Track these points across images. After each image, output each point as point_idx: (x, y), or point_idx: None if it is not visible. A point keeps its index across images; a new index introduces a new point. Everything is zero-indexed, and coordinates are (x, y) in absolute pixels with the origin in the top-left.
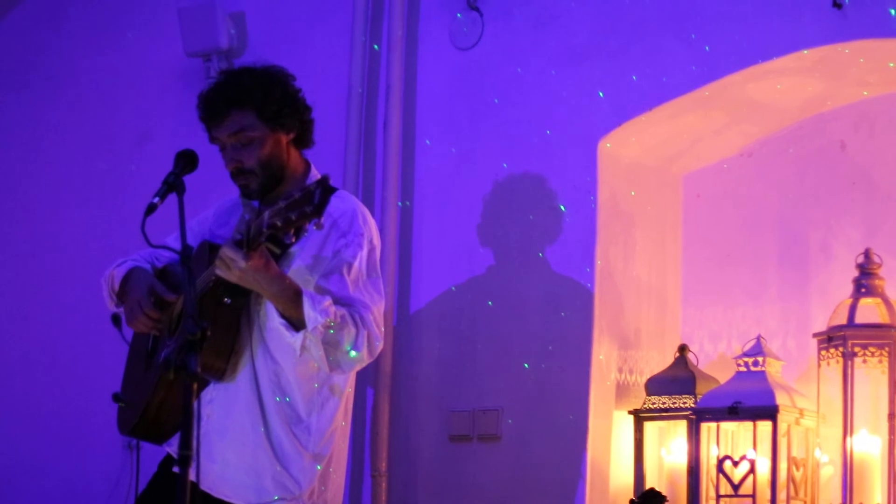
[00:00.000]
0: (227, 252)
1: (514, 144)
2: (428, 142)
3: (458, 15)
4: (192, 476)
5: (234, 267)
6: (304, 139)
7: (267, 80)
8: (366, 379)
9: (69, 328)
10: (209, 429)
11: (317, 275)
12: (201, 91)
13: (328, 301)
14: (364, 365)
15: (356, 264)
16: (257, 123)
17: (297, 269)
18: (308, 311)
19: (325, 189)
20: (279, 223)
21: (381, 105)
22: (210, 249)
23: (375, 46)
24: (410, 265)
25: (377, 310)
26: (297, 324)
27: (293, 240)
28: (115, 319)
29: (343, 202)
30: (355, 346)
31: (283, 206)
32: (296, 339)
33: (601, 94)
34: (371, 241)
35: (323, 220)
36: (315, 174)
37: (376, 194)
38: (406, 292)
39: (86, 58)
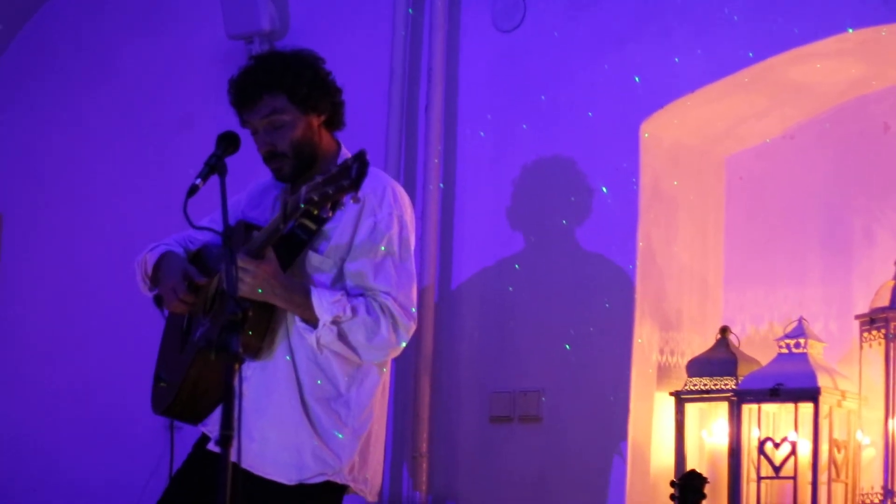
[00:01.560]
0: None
1: (555, 127)
2: (482, 133)
3: None
4: (232, 456)
5: (244, 276)
6: (335, 121)
7: (297, 64)
8: (407, 360)
9: (113, 312)
10: (245, 407)
11: (347, 254)
12: (232, 76)
13: (337, 296)
14: (398, 350)
15: (385, 245)
16: (289, 106)
17: (332, 247)
18: (317, 310)
19: (363, 163)
20: (316, 198)
21: (422, 87)
22: (246, 229)
23: (410, 10)
24: (452, 247)
25: (403, 294)
26: (315, 323)
27: (329, 214)
28: (158, 300)
29: (374, 179)
30: (377, 335)
31: (321, 181)
32: (311, 337)
33: (637, 79)
34: (401, 219)
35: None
36: (346, 155)
37: (418, 177)
38: (447, 274)
39: (127, 41)
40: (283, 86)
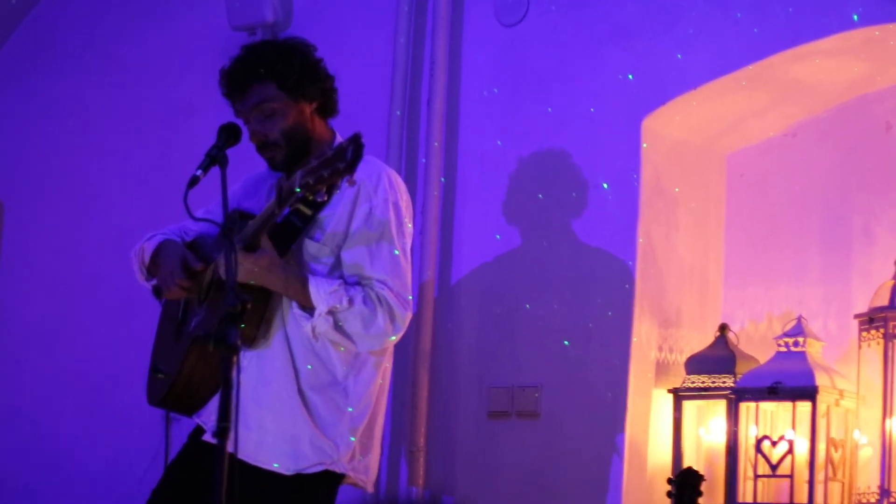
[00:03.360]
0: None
1: (557, 122)
2: (499, 142)
3: None
4: (229, 447)
5: (240, 268)
6: (327, 108)
7: (286, 51)
8: (405, 354)
9: (114, 301)
10: (242, 396)
11: (344, 242)
12: (222, 66)
13: (335, 286)
14: (396, 339)
15: (380, 232)
16: (278, 94)
17: (328, 235)
18: (314, 299)
19: (358, 144)
20: (311, 181)
21: (425, 81)
22: (240, 217)
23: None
24: (452, 242)
25: (399, 282)
26: (311, 311)
27: (325, 198)
28: (157, 291)
29: (369, 166)
30: (373, 325)
31: (316, 165)
32: (307, 326)
33: (630, 76)
34: (397, 205)
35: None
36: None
37: (419, 170)
38: (447, 269)
39: (130, 31)
40: (272, 73)
